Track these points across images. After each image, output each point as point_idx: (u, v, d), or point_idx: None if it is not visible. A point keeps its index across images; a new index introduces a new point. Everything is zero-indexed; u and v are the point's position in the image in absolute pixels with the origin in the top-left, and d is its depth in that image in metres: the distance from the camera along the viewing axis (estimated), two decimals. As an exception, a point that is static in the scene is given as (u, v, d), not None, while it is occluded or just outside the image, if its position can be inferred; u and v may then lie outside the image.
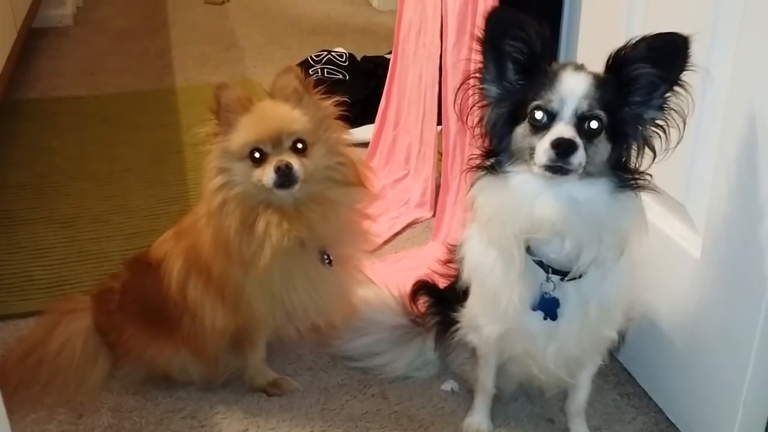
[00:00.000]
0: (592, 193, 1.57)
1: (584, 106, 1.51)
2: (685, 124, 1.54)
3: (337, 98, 1.97)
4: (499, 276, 1.71)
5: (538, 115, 1.53)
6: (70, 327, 2.20)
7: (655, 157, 1.58)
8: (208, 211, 1.93)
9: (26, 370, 2.13)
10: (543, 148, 1.50)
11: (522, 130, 1.57)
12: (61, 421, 2.09)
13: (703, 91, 1.78)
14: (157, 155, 3.51)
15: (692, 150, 1.84)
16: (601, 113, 1.51)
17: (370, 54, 4.26)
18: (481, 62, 1.62)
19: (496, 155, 1.62)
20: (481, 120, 1.65)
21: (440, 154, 2.97)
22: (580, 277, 1.65)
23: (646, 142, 1.58)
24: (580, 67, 1.56)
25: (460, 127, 2.72)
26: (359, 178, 1.98)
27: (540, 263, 1.66)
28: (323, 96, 1.96)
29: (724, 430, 1.85)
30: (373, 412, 2.13)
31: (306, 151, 1.88)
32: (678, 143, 1.56)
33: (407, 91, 3.17)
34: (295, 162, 1.84)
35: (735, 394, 1.79)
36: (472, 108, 1.66)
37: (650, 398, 2.14)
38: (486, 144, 1.66)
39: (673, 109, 1.54)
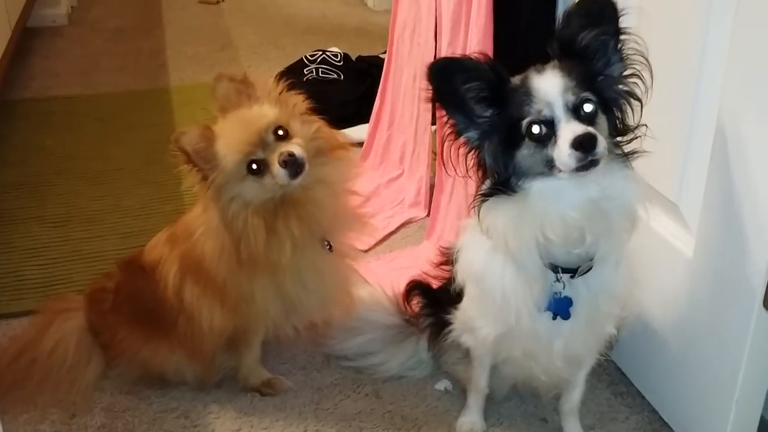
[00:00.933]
0: (608, 173, 1.56)
1: (571, 97, 1.51)
2: (648, 61, 1.56)
3: (272, 74, 1.96)
4: (510, 282, 1.69)
5: (536, 129, 1.52)
6: (63, 326, 2.20)
7: (642, 105, 1.59)
8: (236, 235, 1.88)
9: (19, 369, 2.13)
10: (565, 154, 1.48)
11: (526, 149, 1.55)
12: (53, 421, 2.08)
13: (697, 90, 1.79)
14: (150, 155, 3.50)
15: (685, 149, 1.85)
16: (589, 94, 1.52)
17: (364, 54, 4.26)
18: (446, 116, 1.61)
19: (507, 180, 1.59)
20: (479, 163, 1.63)
21: (434, 153, 2.97)
22: (588, 271, 1.65)
23: (630, 95, 1.59)
24: (540, 69, 1.56)
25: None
26: (338, 141, 1.98)
27: (548, 265, 1.65)
28: (261, 79, 1.95)
29: (717, 429, 1.85)
30: (367, 411, 2.13)
31: (288, 134, 1.87)
32: (653, 80, 1.57)
33: (402, 91, 3.17)
34: (292, 147, 1.83)
35: (728, 393, 1.80)
36: (466, 158, 1.64)
37: (643, 397, 2.14)
38: (495, 177, 1.62)
39: (631, 54, 1.56)
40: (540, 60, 1.59)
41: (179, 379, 2.16)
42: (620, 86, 1.58)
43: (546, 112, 1.51)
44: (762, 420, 1.87)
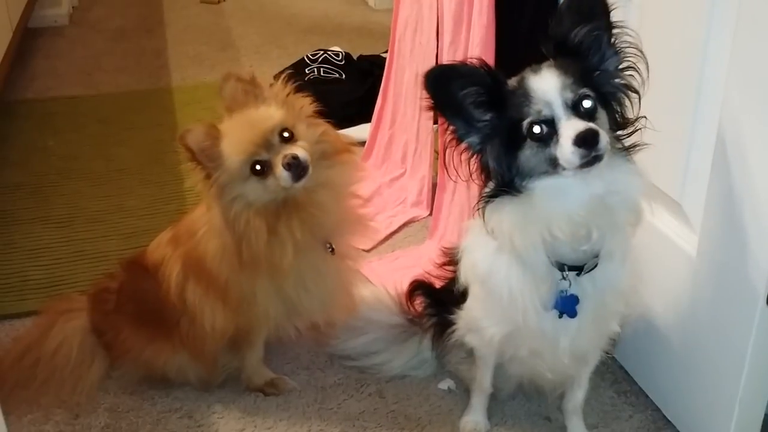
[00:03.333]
0: (611, 168, 1.56)
1: (569, 94, 1.51)
2: (642, 52, 1.57)
3: (281, 75, 1.98)
4: (516, 281, 1.69)
5: (537, 129, 1.52)
6: (67, 327, 2.20)
7: (639, 97, 1.60)
8: (237, 235, 1.88)
9: (23, 370, 2.13)
10: (568, 152, 1.48)
11: (529, 150, 1.55)
12: (57, 422, 2.09)
13: (699, 88, 1.78)
14: (153, 155, 3.51)
15: (688, 148, 1.85)
16: (587, 90, 1.52)
17: (366, 53, 4.26)
18: (447, 123, 1.61)
19: (512, 181, 1.59)
20: (482, 167, 1.63)
21: (436, 152, 2.97)
22: (593, 268, 1.65)
23: (628, 87, 1.59)
24: (536, 69, 1.56)
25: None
26: (343, 144, 1.99)
27: (555, 263, 1.65)
28: (272, 82, 1.96)
29: (720, 428, 1.85)
30: (371, 411, 2.13)
31: (294, 137, 1.87)
32: (648, 70, 1.57)
33: (403, 90, 3.17)
34: (296, 150, 1.83)
35: (731, 391, 1.80)
36: (468, 164, 1.64)
37: (647, 396, 2.14)
38: (499, 179, 1.62)
39: (626, 47, 1.57)
40: (542, 59, 1.59)
41: (182, 380, 2.16)
42: (617, 80, 1.59)
43: (546, 112, 1.51)
44: (766, 418, 1.87)
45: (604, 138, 1.48)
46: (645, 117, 1.61)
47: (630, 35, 1.56)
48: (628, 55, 1.58)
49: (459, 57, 2.65)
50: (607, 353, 1.95)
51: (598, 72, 1.58)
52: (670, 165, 1.88)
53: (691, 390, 1.95)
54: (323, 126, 1.96)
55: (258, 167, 1.83)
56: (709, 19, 1.74)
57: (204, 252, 1.96)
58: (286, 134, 1.86)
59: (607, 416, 2.10)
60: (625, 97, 1.60)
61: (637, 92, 1.60)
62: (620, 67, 1.59)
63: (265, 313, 2.01)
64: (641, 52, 1.57)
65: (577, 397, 1.98)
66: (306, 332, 2.20)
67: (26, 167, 3.39)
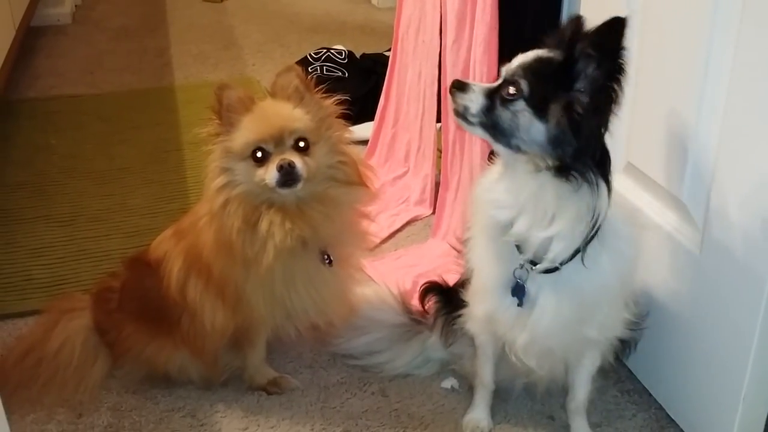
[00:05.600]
0: (522, 169, 1.61)
1: (508, 77, 1.60)
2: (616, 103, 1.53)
3: (338, 97, 1.97)
4: (480, 252, 1.78)
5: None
6: (69, 326, 2.20)
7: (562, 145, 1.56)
8: (211, 211, 1.92)
9: (25, 369, 2.13)
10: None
11: None
12: (60, 421, 2.09)
13: (702, 86, 1.78)
14: (156, 153, 3.51)
15: (691, 146, 1.84)
16: (521, 81, 1.57)
17: (369, 51, 4.25)
18: None
19: None
20: None
21: (440, 151, 2.97)
22: (556, 270, 1.66)
23: (560, 127, 1.53)
24: (546, 45, 1.62)
25: (459, 125, 2.71)
26: (361, 178, 1.98)
27: (519, 249, 1.68)
28: (324, 95, 1.96)
29: (724, 427, 1.85)
30: (374, 409, 2.13)
31: (308, 149, 1.88)
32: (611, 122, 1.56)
33: (407, 89, 3.17)
34: (297, 160, 1.83)
35: (735, 390, 1.79)
36: None
37: (650, 395, 2.14)
38: None
39: (610, 92, 1.51)
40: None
41: (184, 378, 2.16)
42: (567, 113, 1.52)
43: (501, 75, 1.63)
44: (770, 417, 1.87)
45: (472, 113, 1.62)
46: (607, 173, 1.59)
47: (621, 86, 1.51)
48: (601, 98, 1.51)
49: (462, 56, 2.65)
50: (612, 359, 1.97)
51: (568, 95, 1.52)
52: (673, 162, 1.88)
53: (694, 388, 1.95)
54: (346, 157, 1.96)
55: (258, 154, 1.85)
56: (714, 12, 1.72)
57: (204, 243, 1.96)
58: (302, 144, 1.87)
59: (610, 415, 2.10)
60: (565, 130, 1.54)
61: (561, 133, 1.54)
62: (582, 104, 1.52)
63: (258, 311, 2.01)
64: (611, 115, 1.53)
65: (579, 396, 1.97)
66: (307, 332, 2.19)
67: (29, 166, 3.40)
